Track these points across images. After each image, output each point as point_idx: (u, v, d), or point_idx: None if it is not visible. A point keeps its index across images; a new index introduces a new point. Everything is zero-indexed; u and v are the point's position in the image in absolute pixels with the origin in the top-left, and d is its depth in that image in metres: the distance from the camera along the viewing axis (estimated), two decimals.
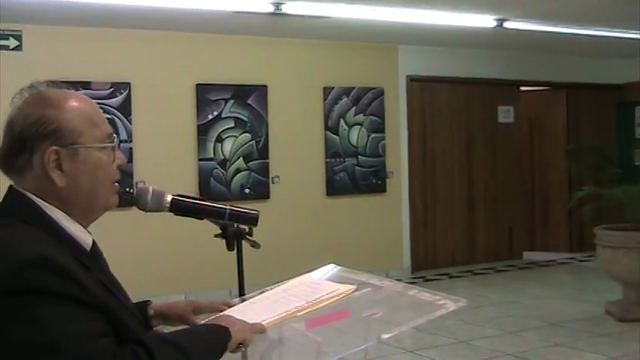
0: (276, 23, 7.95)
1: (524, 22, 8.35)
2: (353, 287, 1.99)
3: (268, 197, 8.76)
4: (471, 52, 10.14)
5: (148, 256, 7.96)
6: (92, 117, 1.74)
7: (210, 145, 8.50)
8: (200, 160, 8.45)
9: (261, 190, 8.75)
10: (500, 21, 8.25)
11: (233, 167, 8.61)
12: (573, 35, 9.01)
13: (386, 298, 1.97)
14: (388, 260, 9.53)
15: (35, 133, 1.65)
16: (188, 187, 8.08)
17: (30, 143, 1.66)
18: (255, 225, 2.22)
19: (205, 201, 2.19)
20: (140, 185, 7.69)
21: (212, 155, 8.51)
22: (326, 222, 9.19)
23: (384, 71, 9.69)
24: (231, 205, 2.21)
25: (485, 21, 8.24)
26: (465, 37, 9.17)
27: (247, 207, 2.25)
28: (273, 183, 8.85)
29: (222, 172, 8.55)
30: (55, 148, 1.66)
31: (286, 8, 7.23)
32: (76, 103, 1.73)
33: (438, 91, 10.17)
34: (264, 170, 8.79)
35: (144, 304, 2.07)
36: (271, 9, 7.20)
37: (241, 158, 8.65)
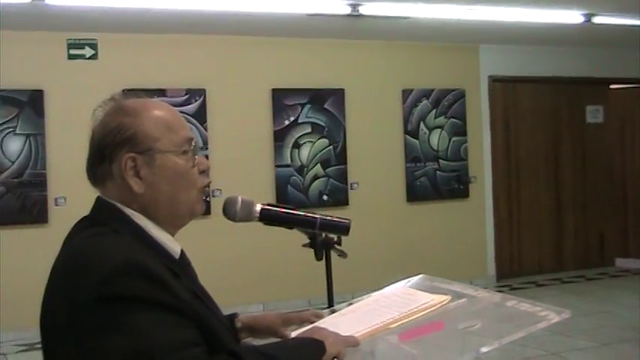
0: (353, 25, 7.96)
1: (614, 16, 8.15)
2: (448, 298, 1.96)
3: (347, 204, 8.76)
4: (556, 50, 9.95)
5: (225, 266, 8.04)
6: (169, 122, 1.77)
7: (287, 151, 8.56)
8: (277, 166, 8.51)
9: (339, 197, 8.76)
10: (589, 16, 8.07)
11: (311, 174, 8.65)
12: None
13: (483, 310, 1.94)
14: (472, 268, 9.42)
15: (113, 142, 1.71)
16: (265, 194, 8.15)
17: (109, 151, 1.72)
18: (347, 234, 2.21)
19: (295, 210, 2.19)
20: (217, 193, 7.78)
21: (289, 162, 8.56)
22: (407, 229, 9.14)
23: (464, 72, 9.60)
24: (321, 215, 2.21)
25: (572, 17, 8.08)
26: (550, 34, 9.00)
27: (337, 215, 2.25)
28: (351, 189, 8.85)
29: (300, 179, 8.60)
30: (131, 154, 1.70)
31: (363, 9, 7.23)
32: (153, 110, 1.77)
33: (522, 91, 10.03)
34: (343, 176, 8.80)
35: (231, 317, 2.09)
36: (348, 10, 7.21)
37: (319, 164, 8.69)
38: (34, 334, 7.02)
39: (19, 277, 7.42)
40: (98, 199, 1.77)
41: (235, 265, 8.18)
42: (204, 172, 1.83)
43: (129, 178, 1.71)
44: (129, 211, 1.72)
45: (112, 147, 1.71)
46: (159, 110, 1.78)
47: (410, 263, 8.68)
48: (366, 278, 7.79)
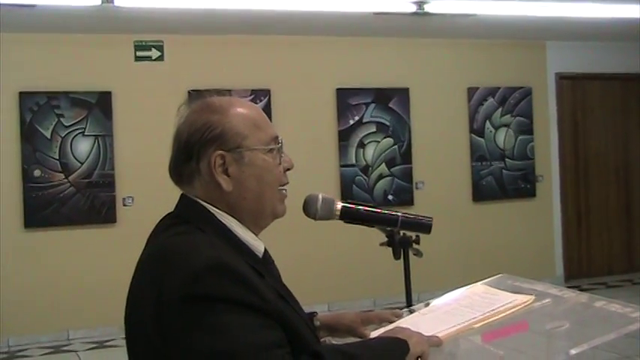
0: (418, 23, 7.89)
1: None
2: (532, 298, 1.92)
3: (412, 204, 8.70)
4: (626, 46, 9.70)
5: (289, 265, 8.02)
6: (256, 120, 1.77)
7: (352, 151, 8.55)
8: (342, 166, 8.51)
9: (404, 197, 8.70)
10: None
11: (375, 173, 8.63)
12: None
13: (569, 310, 1.89)
14: (540, 269, 9.25)
15: (201, 139, 1.71)
16: (330, 193, 8.03)
17: (196, 149, 1.71)
18: (429, 233, 2.17)
19: (375, 208, 2.16)
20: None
21: (354, 161, 8.55)
22: (473, 229, 9.05)
23: (531, 69, 9.46)
24: (403, 212, 2.18)
25: None
26: (619, 29, 8.79)
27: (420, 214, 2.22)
28: (417, 189, 8.79)
29: (365, 179, 8.58)
30: (220, 152, 1.70)
31: (429, 7, 7.17)
32: (239, 108, 1.77)
33: (591, 88, 9.84)
34: (408, 176, 8.75)
35: (310, 316, 2.07)
36: (414, 8, 7.15)
37: (384, 164, 8.66)
38: (103, 332, 7.18)
39: (88, 277, 7.56)
40: (182, 196, 1.78)
41: (300, 264, 8.17)
42: (288, 171, 1.82)
43: (218, 175, 1.71)
44: (213, 210, 1.72)
45: (199, 145, 1.71)
46: (245, 108, 1.79)
47: (476, 263, 8.60)
48: (432, 278, 7.71)
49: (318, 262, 8.31)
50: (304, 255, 8.21)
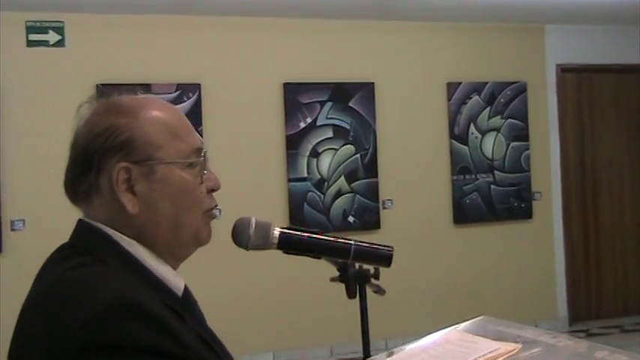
0: (386, 2, 7.95)
1: None
2: (518, 346, 1.93)
3: (379, 227, 8.76)
4: None
5: (225, 305, 8.02)
6: (174, 127, 1.77)
7: (303, 162, 8.58)
8: (290, 180, 8.53)
9: (369, 218, 8.76)
10: None
11: (333, 189, 8.67)
12: None
13: None
14: (537, 308, 9.36)
15: (102, 147, 1.69)
16: (276, 214, 8.14)
17: (96, 159, 1.69)
18: (388, 265, 2.18)
19: (322, 234, 2.16)
20: (215, 213, 7.76)
21: (305, 174, 8.58)
22: (454, 258, 9.12)
23: (526, 60, 9.58)
24: (356, 240, 2.18)
25: None
26: (635, 10, 8.94)
27: (376, 241, 2.22)
28: (384, 209, 8.85)
29: (319, 196, 8.61)
30: (125, 164, 1.69)
31: None
32: (154, 110, 1.77)
33: (600, 83, 9.98)
34: (373, 192, 8.80)
35: None
36: None
37: (343, 177, 8.70)
38: None
39: None
40: (80, 222, 1.75)
41: (238, 304, 8.17)
42: (212, 192, 1.83)
43: (120, 193, 1.69)
44: (119, 237, 1.71)
45: (100, 154, 1.69)
46: (162, 111, 1.78)
47: (457, 302, 8.65)
48: (403, 320, 7.77)
49: (260, 302, 8.29)
50: (243, 293, 8.21)
